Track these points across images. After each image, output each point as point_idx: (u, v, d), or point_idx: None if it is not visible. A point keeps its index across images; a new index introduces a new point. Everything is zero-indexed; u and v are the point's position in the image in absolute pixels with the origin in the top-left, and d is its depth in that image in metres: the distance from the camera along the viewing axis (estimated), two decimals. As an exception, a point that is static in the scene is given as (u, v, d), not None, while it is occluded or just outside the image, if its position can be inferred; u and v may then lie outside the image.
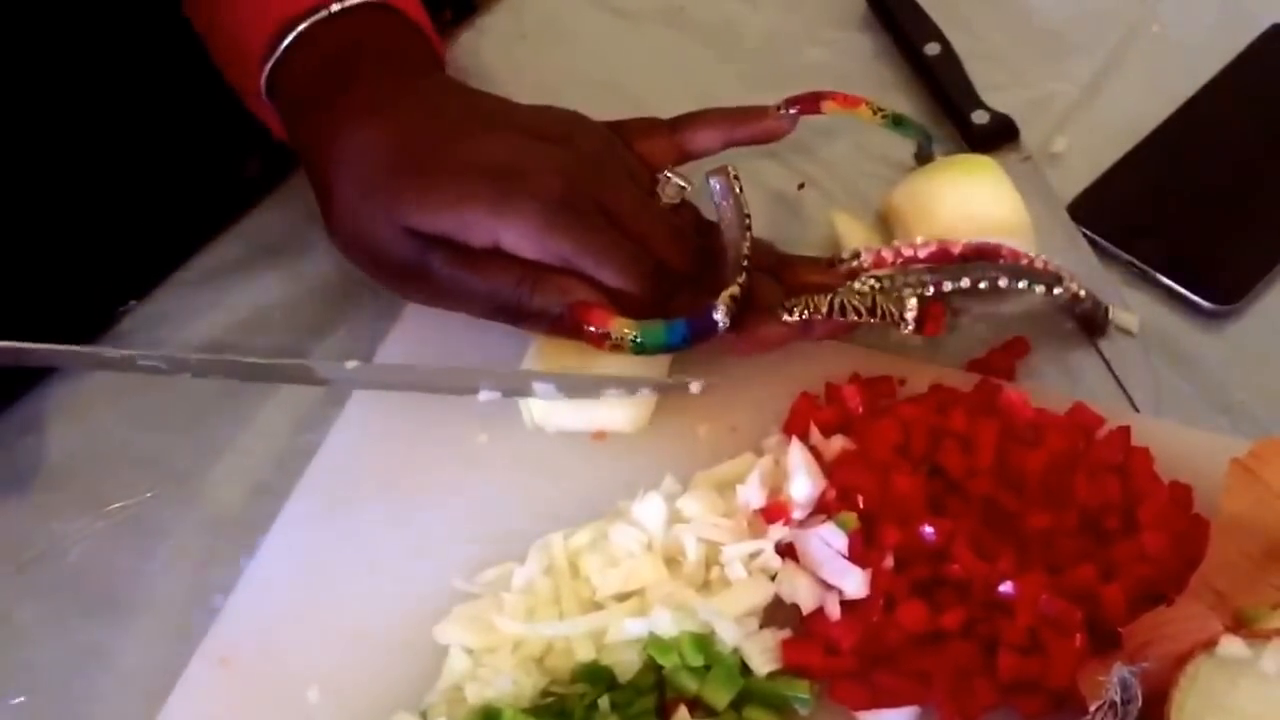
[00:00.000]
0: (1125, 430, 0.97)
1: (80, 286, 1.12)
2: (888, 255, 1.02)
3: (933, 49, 1.22)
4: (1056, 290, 1.02)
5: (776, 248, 1.05)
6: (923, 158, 1.15)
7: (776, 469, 0.97)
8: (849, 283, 1.01)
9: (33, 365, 1.01)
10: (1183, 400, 1.04)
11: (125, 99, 1.17)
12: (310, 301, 1.11)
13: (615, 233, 0.98)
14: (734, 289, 0.96)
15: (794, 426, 0.99)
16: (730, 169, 1.02)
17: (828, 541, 0.92)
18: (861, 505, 0.94)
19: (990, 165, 1.10)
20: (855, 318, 0.99)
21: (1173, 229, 1.12)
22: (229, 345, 1.08)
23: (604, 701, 0.88)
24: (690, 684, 0.89)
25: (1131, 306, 1.08)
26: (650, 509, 0.95)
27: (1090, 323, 1.06)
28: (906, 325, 0.99)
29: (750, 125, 1.06)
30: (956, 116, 1.19)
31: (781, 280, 1.02)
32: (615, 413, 1.01)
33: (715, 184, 1.02)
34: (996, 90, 1.19)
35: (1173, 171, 1.15)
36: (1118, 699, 0.81)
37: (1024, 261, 1.02)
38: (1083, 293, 1.03)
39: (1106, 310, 1.06)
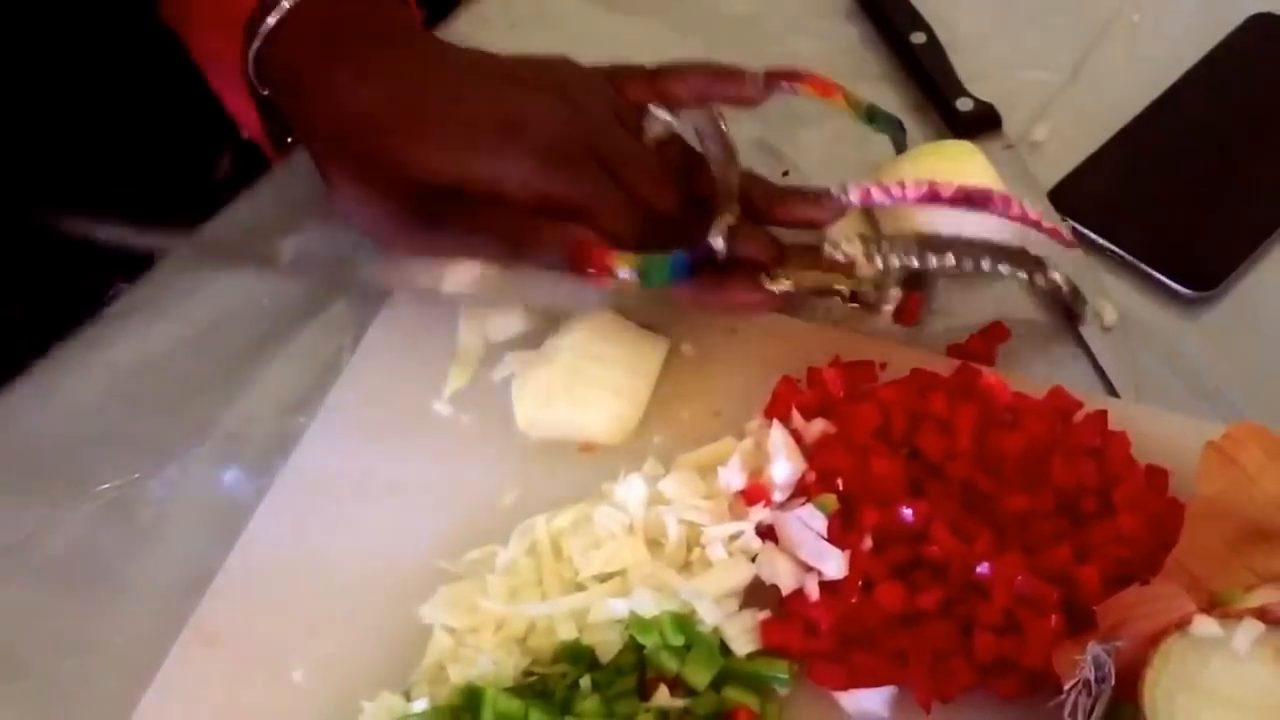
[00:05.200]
0: (1102, 414, 0.98)
1: (70, 268, 1.13)
2: (877, 193, 1.01)
3: (917, 37, 1.23)
4: (1039, 279, 1.03)
5: (769, 182, 1.06)
6: (898, 150, 1.14)
7: (757, 452, 0.98)
8: (835, 249, 1.01)
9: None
10: (1160, 385, 1.05)
11: (110, 91, 1.17)
12: (297, 289, 1.11)
13: (607, 179, 1.00)
14: (729, 217, 0.98)
15: (775, 410, 1.00)
16: (714, 107, 1.03)
17: (807, 523, 0.93)
18: (841, 487, 0.94)
19: (973, 151, 1.11)
20: (840, 299, 1.01)
21: (1152, 216, 1.12)
22: (217, 329, 1.09)
23: (585, 681, 0.89)
24: (671, 663, 0.90)
25: (1111, 293, 1.08)
26: (632, 491, 0.96)
27: (1069, 312, 1.06)
28: (885, 313, 1.01)
29: (726, 86, 1.06)
30: (940, 104, 1.20)
31: (774, 215, 1.03)
32: (598, 421, 1.01)
33: (700, 124, 1.04)
34: (980, 79, 1.20)
35: (1152, 159, 1.15)
36: (1092, 678, 0.81)
37: (1015, 210, 1.01)
38: (1064, 284, 1.03)
39: (1085, 301, 1.06)
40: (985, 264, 1.02)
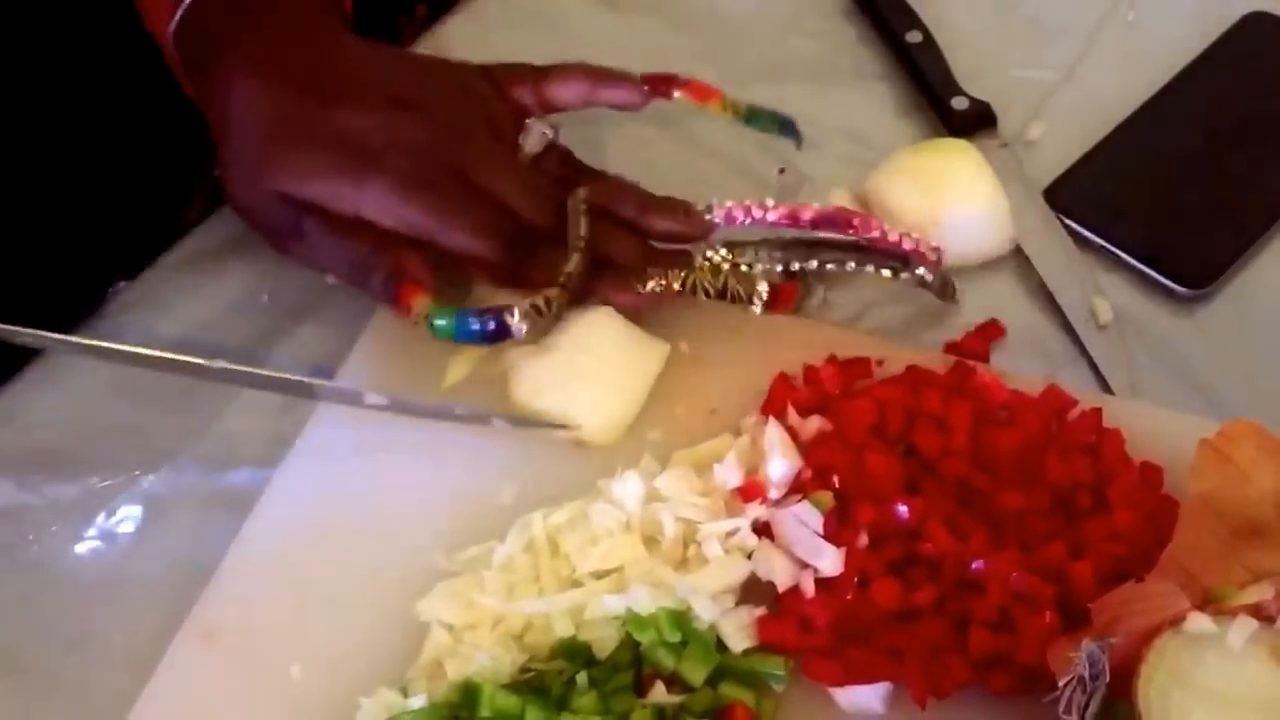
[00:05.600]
0: (1097, 411, 0.98)
1: (69, 267, 1.13)
2: (738, 214, 1.05)
3: (914, 37, 1.23)
4: (903, 275, 1.04)
5: (643, 193, 1.07)
6: (798, 145, 1.14)
7: (753, 449, 0.98)
8: (704, 259, 1.04)
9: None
10: (1156, 383, 1.05)
11: (108, 86, 1.18)
12: (296, 285, 1.11)
13: (470, 198, 1.01)
14: (538, 299, 0.98)
15: (771, 407, 1.00)
16: (582, 193, 1.03)
17: (803, 520, 0.93)
18: (837, 484, 0.95)
19: (968, 149, 1.11)
20: (705, 297, 1.04)
21: (1147, 214, 1.13)
22: (217, 326, 1.09)
23: (582, 677, 0.89)
24: (667, 660, 0.90)
25: (1106, 291, 1.09)
26: (629, 488, 0.96)
27: (941, 294, 1.07)
28: (756, 308, 1.04)
29: (608, 90, 1.09)
30: (936, 103, 1.20)
31: (642, 226, 1.05)
32: (590, 418, 1.01)
33: (570, 199, 1.04)
34: (975, 77, 1.21)
35: (1147, 157, 1.16)
36: (1086, 674, 0.81)
37: (875, 233, 1.04)
38: (929, 276, 1.05)
39: (953, 286, 1.07)
40: (850, 265, 1.05)
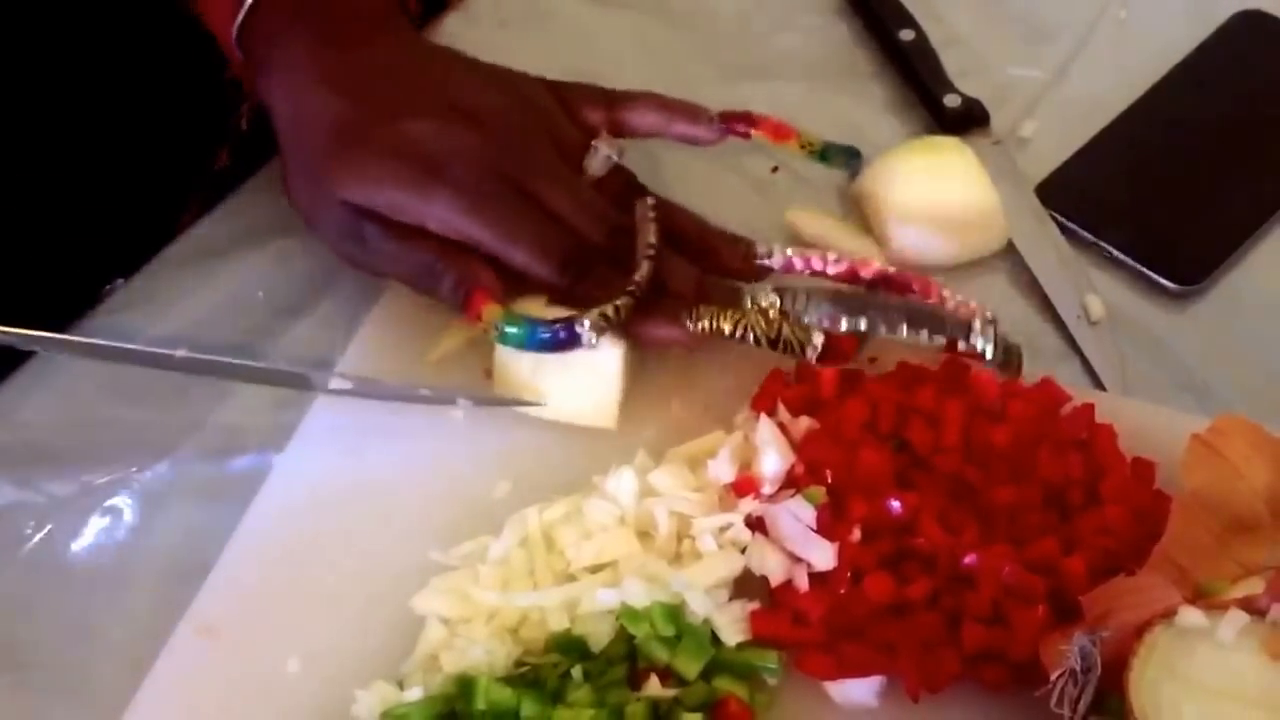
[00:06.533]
0: (1089, 407, 0.98)
1: (66, 264, 1.13)
2: (798, 263, 1.04)
3: (906, 34, 1.24)
4: (960, 346, 1.01)
5: (704, 223, 1.07)
6: (852, 176, 1.14)
7: (746, 444, 0.98)
8: (752, 303, 1.02)
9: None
10: (1147, 379, 1.06)
11: (106, 83, 1.18)
12: (292, 283, 1.12)
13: (531, 214, 1.01)
14: (608, 308, 0.98)
15: (762, 403, 1.01)
16: (651, 201, 1.03)
17: (796, 515, 0.93)
18: (829, 479, 0.95)
19: (960, 147, 1.11)
20: (756, 345, 1.01)
21: (1138, 211, 1.13)
22: (212, 324, 1.09)
23: (577, 671, 0.89)
24: (661, 654, 0.90)
25: (1098, 288, 1.09)
26: (623, 483, 0.96)
27: (1003, 368, 1.03)
28: (810, 359, 1.01)
29: (683, 124, 1.08)
30: (929, 101, 1.20)
31: (703, 258, 1.04)
32: (583, 404, 1.02)
33: (637, 207, 1.03)
34: (968, 75, 1.21)
35: (1139, 155, 1.16)
36: (1078, 668, 0.82)
37: (933, 299, 1.02)
38: (989, 350, 1.01)
39: (1019, 356, 1.03)
40: (903, 330, 1.01)
